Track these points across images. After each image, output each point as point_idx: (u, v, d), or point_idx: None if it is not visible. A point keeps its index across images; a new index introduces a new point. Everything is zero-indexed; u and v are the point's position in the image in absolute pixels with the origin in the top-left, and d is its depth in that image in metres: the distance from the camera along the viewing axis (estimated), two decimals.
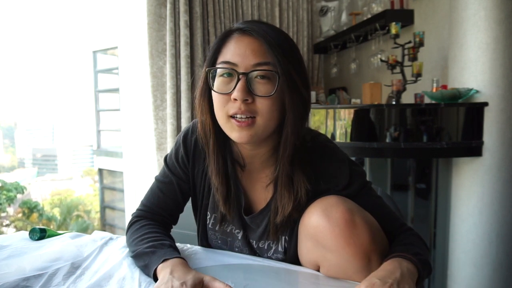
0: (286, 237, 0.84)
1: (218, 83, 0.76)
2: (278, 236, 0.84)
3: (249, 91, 0.73)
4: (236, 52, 0.75)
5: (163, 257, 0.73)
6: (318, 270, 0.78)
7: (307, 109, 0.79)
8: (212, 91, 0.78)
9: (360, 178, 0.83)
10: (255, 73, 0.74)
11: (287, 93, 0.75)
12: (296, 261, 0.84)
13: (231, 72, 0.75)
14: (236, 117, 0.75)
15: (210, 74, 0.77)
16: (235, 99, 0.73)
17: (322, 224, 0.72)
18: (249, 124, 0.75)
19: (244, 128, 0.75)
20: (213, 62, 0.79)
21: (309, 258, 0.79)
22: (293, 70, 0.75)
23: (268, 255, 0.87)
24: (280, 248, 0.85)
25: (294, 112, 0.76)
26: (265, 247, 0.87)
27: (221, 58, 0.77)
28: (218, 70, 0.76)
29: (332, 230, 0.70)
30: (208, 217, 0.91)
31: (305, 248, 0.79)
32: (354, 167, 0.83)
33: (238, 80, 0.73)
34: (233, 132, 0.76)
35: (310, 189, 0.79)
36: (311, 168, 0.81)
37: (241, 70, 0.74)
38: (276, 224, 0.82)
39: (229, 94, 0.74)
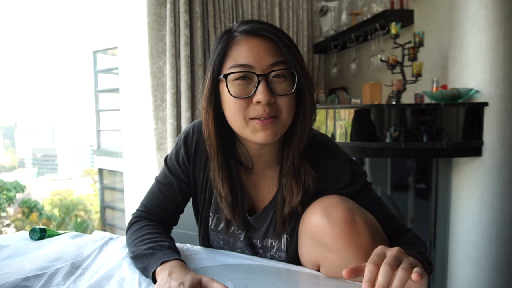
0: (287, 236, 0.84)
1: (234, 88, 0.74)
2: (284, 229, 0.84)
3: (271, 91, 0.73)
4: (249, 54, 0.73)
5: (161, 259, 0.73)
6: (319, 270, 0.78)
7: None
8: (224, 97, 0.76)
9: (361, 178, 0.83)
10: (273, 73, 0.73)
11: (306, 88, 0.76)
12: (297, 260, 0.84)
13: (248, 75, 0.73)
14: (259, 118, 0.74)
15: (224, 80, 0.75)
16: (258, 102, 0.73)
17: (322, 224, 0.71)
18: (272, 122, 0.74)
19: (268, 127, 0.74)
20: (220, 68, 0.76)
21: (309, 257, 0.79)
22: (304, 66, 0.76)
23: (271, 253, 0.87)
24: (282, 246, 0.85)
25: (311, 105, 0.78)
26: (268, 246, 0.87)
27: (231, 62, 0.74)
28: (231, 75, 0.74)
29: (333, 229, 0.70)
30: (210, 218, 0.91)
31: (305, 248, 0.79)
32: (355, 166, 0.84)
33: (258, 82, 0.72)
34: (257, 133, 0.75)
35: (317, 177, 0.80)
36: (313, 166, 0.82)
37: (258, 72, 0.73)
38: (283, 215, 0.82)
39: (250, 97, 0.73)
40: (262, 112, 0.73)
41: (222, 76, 0.76)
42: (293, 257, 0.84)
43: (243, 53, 0.74)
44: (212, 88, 0.78)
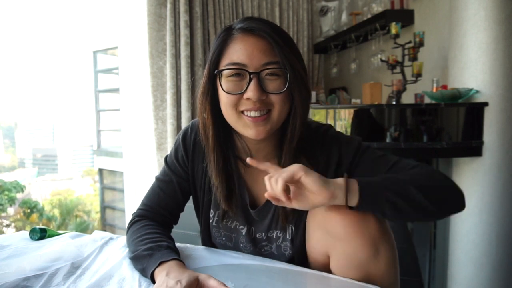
0: (293, 227, 0.85)
1: (227, 84, 0.77)
2: (287, 222, 0.85)
3: (261, 89, 0.75)
4: (243, 52, 0.76)
5: (159, 260, 0.74)
6: (327, 262, 0.78)
7: (310, 100, 0.82)
8: (219, 91, 0.79)
9: (350, 148, 0.82)
10: (265, 71, 0.76)
11: (296, 88, 0.78)
12: (302, 250, 0.84)
13: (241, 73, 0.76)
14: (250, 114, 0.76)
15: (218, 76, 0.78)
16: (249, 98, 0.75)
17: (331, 214, 0.72)
18: (264, 119, 0.77)
19: (259, 124, 0.77)
20: (216, 64, 0.79)
21: (318, 248, 0.79)
22: (299, 65, 0.78)
23: (277, 243, 0.87)
24: (288, 236, 0.86)
25: (302, 105, 0.79)
26: (274, 237, 0.88)
27: (226, 60, 0.77)
28: (225, 72, 0.77)
29: (342, 218, 0.71)
30: (211, 214, 0.92)
31: (314, 239, 0.79)
32: (343, 141, 0.84)
33: (250, 80, 0.75)
34: (248, 129, 0.78)
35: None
36: (311, 155, 0.83)
37: (251, 70, 0.75)
38: (285, 209, 0.83)
39: (242, 94, 0.76)
40: (252, 106, 0.76)
41: (216, 72, 0.79)
42: (299, 248, 0.85)
43: (237, 52, 0.76)
44: (209, 82, 0.81)
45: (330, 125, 0.88)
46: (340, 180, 0.69)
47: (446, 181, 0.75)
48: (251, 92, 0.74)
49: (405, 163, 0.79)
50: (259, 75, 0.75)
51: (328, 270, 0.78)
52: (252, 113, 0.76)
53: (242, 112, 0.78)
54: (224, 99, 0.78)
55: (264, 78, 0.76)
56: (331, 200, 0.67)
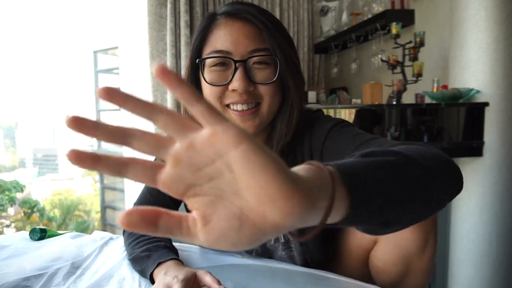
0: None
1: (210, 75, 0.70)
2: None
3: (248, 79, 0.68)
4: (227, 38, 0.68)
5: (158, 261, 0.73)
6: (370, 247, 0.76)
7: (304, 87, 0.77)
8: (202, 83, 0.72)
9: (323, 129, 0.72)
10: (253, 59, 0.69)
11: (289, 77, 0.71)
12: (309, 246, 0.81)
13: (226, 61, 0.69)
14: (237, 108, 0.70)
15: (200, 66, 0.71)
16: (234, 90, 0.68)
17: None
18: (253, 112, 0.70)
19: (247, 118, 0.70)
20: (198, 53, 0.72)
21: (364, 235, 0.75)
22: (291, 52, 0.71)
23: (271, 243, 0.86)
24: (281, 239, 0.84)
25: (299, 94, 0.73)
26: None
27: (209, 48, 0.70)
28: (208, 61, 0.70)
29: None
30: None
31: None
32: (321, 121, 0.74)
33: (236, 69, 0.68)
34: None
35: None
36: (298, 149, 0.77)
37: (236, 58, 0.68)
38: None
39: (226, 85, 0.69)
40: (238, 99, 0.69)
41: (198, 61, 0.72)
42: (311, 245, 0.81)
43: (221, 38, 0.69)
44: (192, 74, 0.74)
45: (318, 109, 0.81)
46: (313, 172, 0.31)
47: (442, 155, 0.51)
48: (236, 82, 0.67)
49: (383, 141, 0.62)
50: (245, 64, 0.68)
51: (367, 257, 0.76)
52: (239, 107, 0.69)
53: (228, 105, 0.71)
54: (207, 92, 0.70)
55: (251, 67, 0.69)
56: (306, 214, 0.28)
